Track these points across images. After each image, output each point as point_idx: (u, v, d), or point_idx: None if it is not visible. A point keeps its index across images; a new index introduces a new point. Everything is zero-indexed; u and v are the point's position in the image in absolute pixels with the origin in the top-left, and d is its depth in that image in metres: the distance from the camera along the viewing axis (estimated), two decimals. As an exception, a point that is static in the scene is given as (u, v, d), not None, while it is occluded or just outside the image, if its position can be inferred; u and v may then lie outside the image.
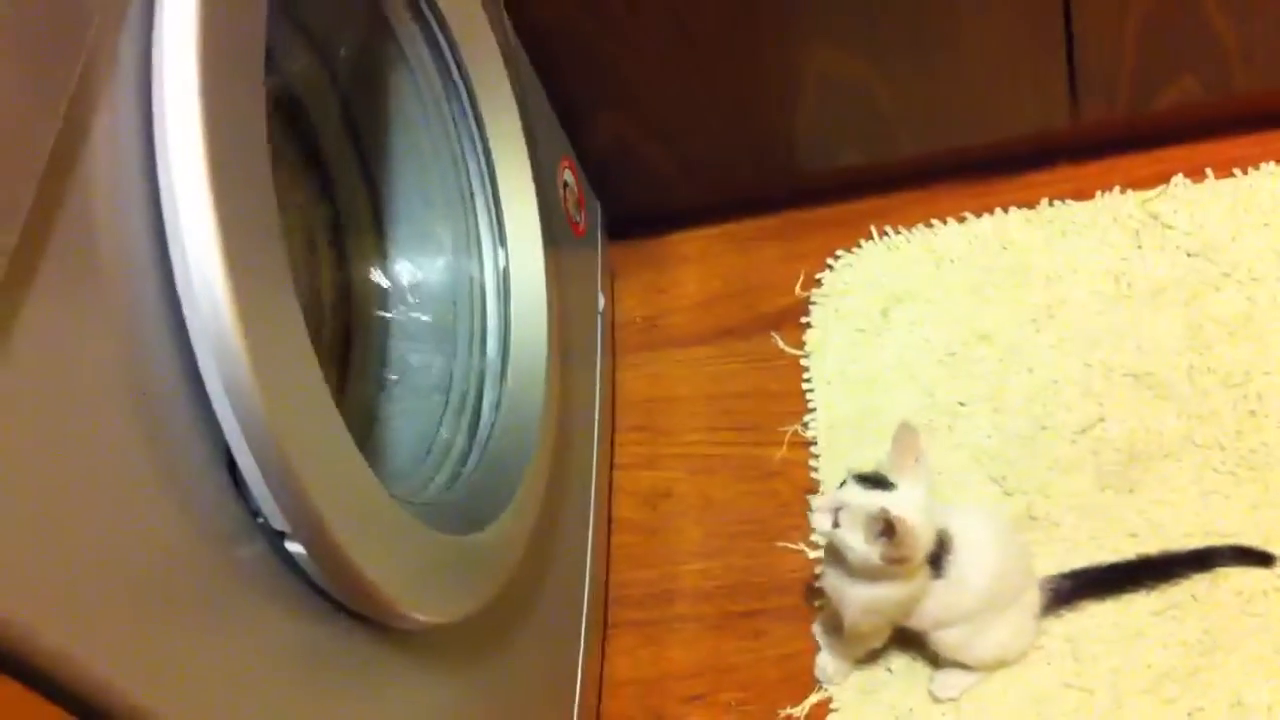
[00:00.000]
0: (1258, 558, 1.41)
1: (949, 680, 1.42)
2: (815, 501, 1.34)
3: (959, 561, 1.32)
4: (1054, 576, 1.41)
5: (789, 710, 1.46)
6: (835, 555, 1.32)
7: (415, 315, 1.33)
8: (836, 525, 1.28)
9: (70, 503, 0.69)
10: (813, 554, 1.56)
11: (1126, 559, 1.43)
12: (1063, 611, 1.42)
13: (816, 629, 1.49)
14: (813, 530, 1.36)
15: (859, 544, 1.27)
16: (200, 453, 0.80)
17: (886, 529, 1.24)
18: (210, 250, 0.76)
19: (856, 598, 1.33)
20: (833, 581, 1.35)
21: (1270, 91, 1.70)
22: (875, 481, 1.29)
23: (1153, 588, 1.42)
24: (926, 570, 1.30)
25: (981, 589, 1.34)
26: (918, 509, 1.27)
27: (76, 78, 0.72)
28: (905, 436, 1.30)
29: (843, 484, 1.31)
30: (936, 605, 1.34)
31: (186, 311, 0.78)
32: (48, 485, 0.67)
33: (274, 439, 0.80)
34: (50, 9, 0.70)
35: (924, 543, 1.27)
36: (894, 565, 1.27)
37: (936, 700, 1.42)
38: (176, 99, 0.77)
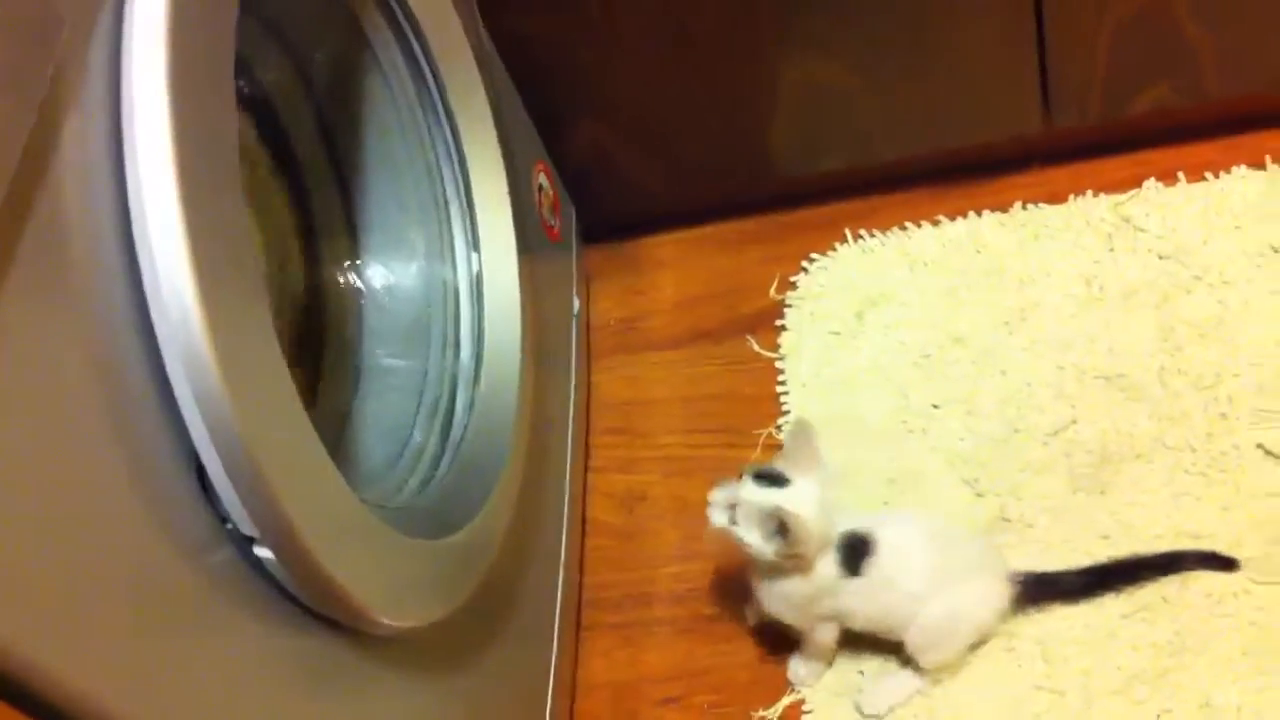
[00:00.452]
0: (1222, 562, 1.41)
1: (878, 696, 1.44)
2: (712, 495, 1.35)
3: (882, 564, 1.34)
4: (1026, 573, 1.41)
5: (762, 712, 1.47)
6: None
7: (388, 319, 1.33)
8: (734, 522, 1.32)
9: (37, 508, 0.69)
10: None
11: (1096, 563, 1.43)
12: (1031, 610, 1.43)
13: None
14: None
15: (755, 540, 1.30)
16: (168, 458, 0.80)
17: (781, 527, 1.27)
18: (179, 256, 0.77)
19: (765, 591, 1.38)
20: (751, 578, 1.39)
21: (1242, 96, 1.71)
22: (772, 479, 1.32)
23: (1120, 591, 1.42)
24: (835, 568, 1.34)
25: (912, 591, 1.35)
26: (811, 505, 1.30)
27: (48, 83, 0.72)
28: (801, 434, 1.34)
29: (740, 479, 1.33)
30: (865, 605, 1.37)
31: (155, 316, 0.78)
32: (14, 491, 0.67)
33: (242, 444, 0.80)
34: (21, 14, 0.70)
35: (818, 539, 1.31)
36: (790, 561, 1.31)
37: (864, 715, 1.43)
38: (145, 105, 0.77)
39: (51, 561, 0.69)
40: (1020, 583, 1.40)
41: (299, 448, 0.88)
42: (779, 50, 1.65)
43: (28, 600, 0.67)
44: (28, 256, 0.70)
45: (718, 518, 1.33)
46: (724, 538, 1.34)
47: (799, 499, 1.30)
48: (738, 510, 1.32)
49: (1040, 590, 1.41)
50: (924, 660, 1.39)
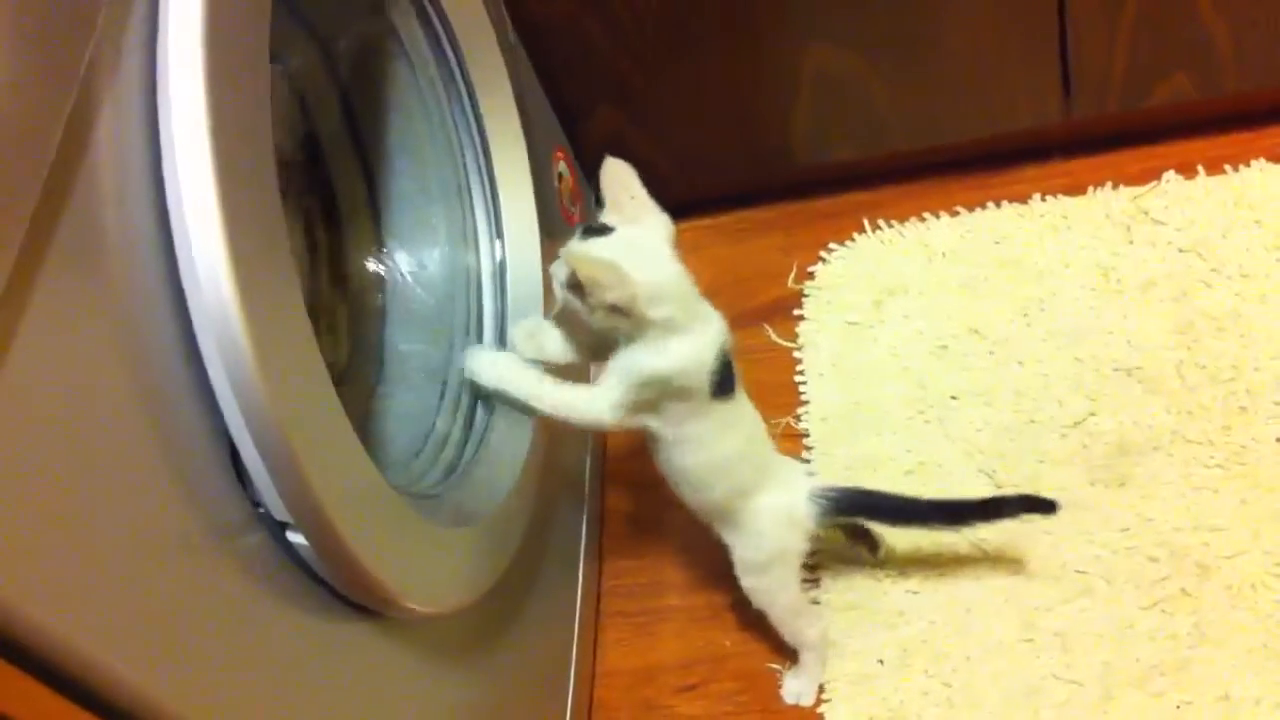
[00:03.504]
0: (1043, 505, 1.35)
1: (793, 686, 1.46)
2: (552, 267, 1.23)
3: (739, 407, 1.28)
4: (832, 487, 1.35)
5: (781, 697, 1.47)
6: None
7: (412, 305, 1.33)
8: (563, 286, 1.19)
9: (74, 494, 0.69)
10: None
11: (917, 497, 1.38)
12: (840, 522, 1.43)
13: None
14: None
15: (571, 295, 1.18)
16: (203, 444, 0.81)
17: (571, 278, 1.15)
18: (215, 244, 0.77)
19: (628, 358, 1.21)
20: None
21: (1261, 90, 1.71)
22: (597, 230, 1.19)
23: (938, 530, 1.42)
24: (701, 355, 1.21)
25: (737, 443, 1.30)
26: (626, 249, 1.17)
27: (84, 67, 0.72)
28: (616, 172, 1.21)
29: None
30: (711, 446, 1.27)
31: (191, 303, 0.78)
32: (53, 477, 0.68)
33: (277, 430, 0.80)
34: (56, 5, 0.70)
35: (631, 284, 1.14)
36: (613, 316, 1.17)
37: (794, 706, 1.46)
38: (181, 89, 0.78)
39: (86, 547, 0.70)
40: (829, 498, 1.34)
41: (332, 434, 0.88)
42: (797, 39, 1.65)
43: (64, 585, 0.68)
44: (64, 243, 0.70)
45: (556, 288, 1.20)
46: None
47: (610, 246, 1.16)
48: (560, 270, 1.19)
49: (852, 504, 1.37)
50: (744, 582, 1.39)
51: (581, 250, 1.16)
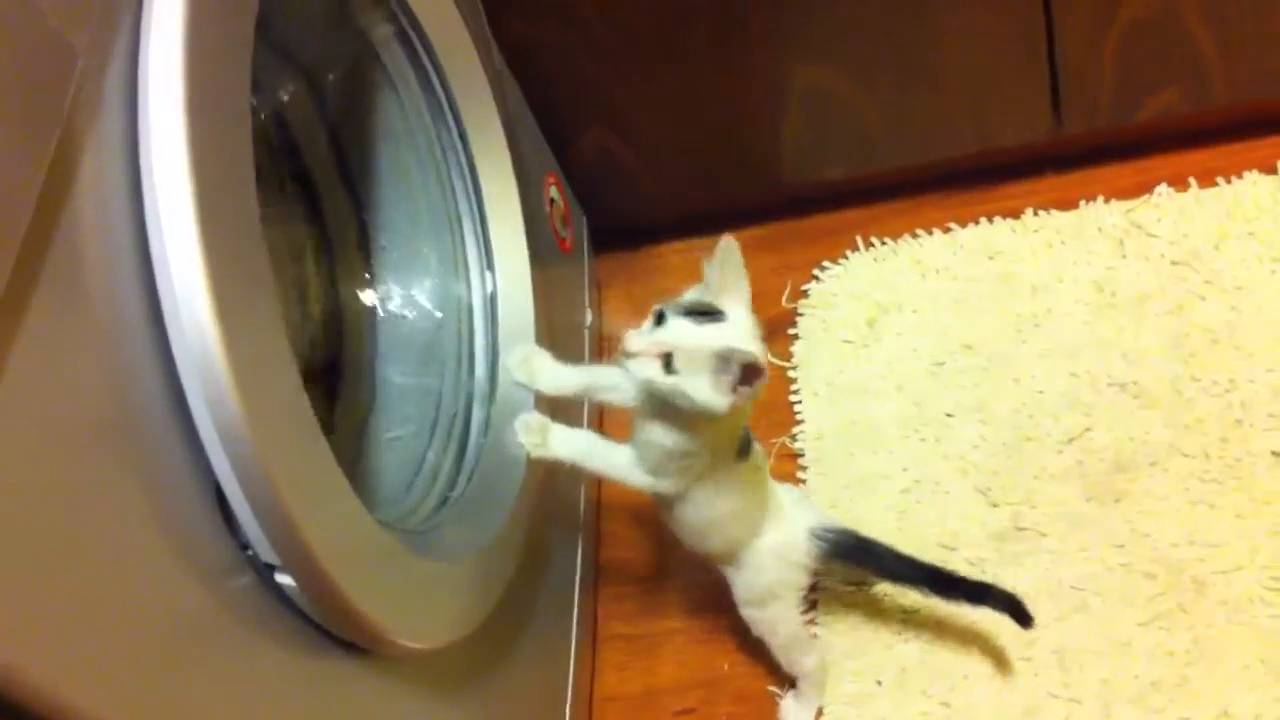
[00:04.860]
0: (1020, 616, 1.34)
1: (792, 710, 1.46)
2: (628, 342, 1.12)
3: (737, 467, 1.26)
4: (833, 529, 1.34)
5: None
6: (650, 402, 1.16)
7: (402, 337, 1.33)
8: (673, 371, 1.09)
9: (58, 536, 0.69)
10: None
11: (915, 557, 1.36)
12: (836, 566, 1.43)
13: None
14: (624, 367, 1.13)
15: (704, 391, 1.09)
16: (189, 486, 0.81)
17: (747, 372, 1.07)
18: (197, 285, 0.77)
19: (665, 434, 1.17)
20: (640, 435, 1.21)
21: (1251, 101, 1.71)
22: (703, 313, 1.11)
23: (924, 594, 1.39)
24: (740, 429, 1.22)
25: (735, 501, 1.29)
26: (757, 341, 1.11)
27: (64, 116, 0.72)
28: (732, 254, 1.14)
29: (659, 321, 1.11)
30: (722, 500, 1.27)
31: (174, 345, 0.78)
32: (36, 519, 0.67)
33: (263, 472, 0.80)
34: (35, 49, 0.71)
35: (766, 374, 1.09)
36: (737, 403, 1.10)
37: None
38: (162, 133, 0.78)
39: (72, 588, 0.69)
40: (829, 539, 1.33)
41: (318, 474, 0.88)
42: (787, 57, 1.65)
43: (47, 627, 0.67)
44: (47, 287, 0.70)
45: (645, 370, 1.10)
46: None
47: (745, 334, 1.10)
48: (675, 357, 1.09)
49: (852, 552, 1.36)
50: (744, 613, 1.39)
51: (747, 342, 1.09)
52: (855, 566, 1.45)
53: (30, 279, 0.69)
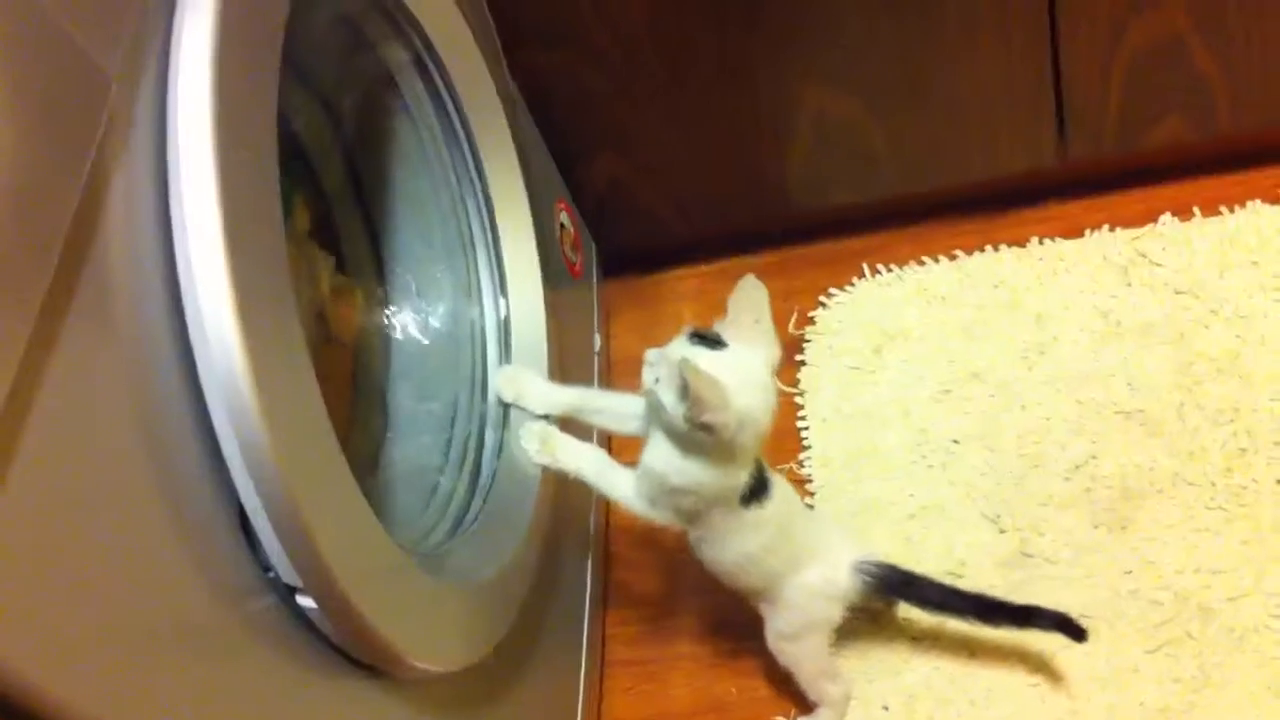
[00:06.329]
0: (1074, 631, 1.34)
1: None
2: (648, 354, 1.21)
3: (773, 509, 1.28)
4: (877, 564, 1.35)
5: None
6: (654, 423, 1.23)
7: (416, 361, 1.34)
8: (657, 381, 1.17)
9: (84, 556, 0.70)
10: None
11: (959, 588, 1.39)
12: (881, 603, 1.45)
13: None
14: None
15: (670, 401, 1.15)
16: (213, 508, 0.81)
17: (684, 385, 1.12)
18: (224, 310, 0.78)
19: (666, 461, 1.22)
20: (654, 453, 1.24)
21: (1256, 131, 1.72)
22: (710, 340, 1.19)
23: (968, 621, 1.40)
24: (742, 477, 1.24)
25: (781, 551, 1.31)
26: (734, 373, 1.16)
27: (97, 144, 0.73)
28: (750, 292, 1.21)
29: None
30: (730, 539, 1.29)
31: (200, 368, 0.79)
32: (63, 539, 0.68)
33: (287, 495, 0.81)
34: (69, 79, 0.72)
35: (737, 414, 1.15)
36: (699, 432, 1.15)
37: None
38: (191, 160, 0.79)
39: (95, 608, 0.70)
40: (874, 575, 1.35)
41: (341, 498, 0.89)
42: (795, 84, 1.66)
43: (71, 645, 0.68)
44: (78, 310, 0.71)
45: (646, 376, 1.19)
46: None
47: (721, 363, 1.15)
48: (661, 368, 1.17)
49: (895, 586, 1.38)
50: (774, 645, 1.40)
51: (695, 362, 1.13)
52: (898, 599, 1.45)
53: (63, 303, 0.70)
